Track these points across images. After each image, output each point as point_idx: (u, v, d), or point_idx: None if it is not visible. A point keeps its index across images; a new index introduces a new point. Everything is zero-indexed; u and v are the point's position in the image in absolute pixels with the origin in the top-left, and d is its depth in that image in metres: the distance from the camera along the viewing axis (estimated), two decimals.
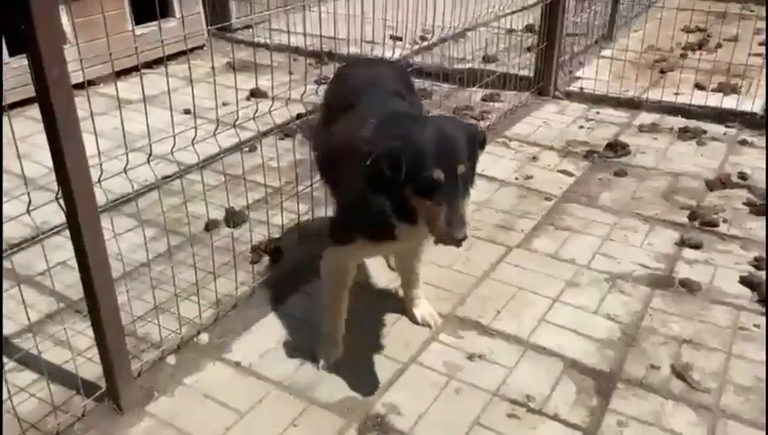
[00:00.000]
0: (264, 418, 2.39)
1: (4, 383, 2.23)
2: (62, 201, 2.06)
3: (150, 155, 2.38)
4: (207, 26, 6.19)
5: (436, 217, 1.95)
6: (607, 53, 5.94)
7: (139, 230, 2.79)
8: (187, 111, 4.36)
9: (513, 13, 6.19)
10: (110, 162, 2.23)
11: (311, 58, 5.90)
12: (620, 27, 6.64)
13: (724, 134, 4.74)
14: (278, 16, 4.98)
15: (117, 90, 2.44)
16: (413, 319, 2.87)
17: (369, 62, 3.67)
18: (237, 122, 2.70)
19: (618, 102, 5.27)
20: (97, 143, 2.16)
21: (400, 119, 2.24)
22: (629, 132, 4.80)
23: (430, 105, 4.99)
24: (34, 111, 2.08)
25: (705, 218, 3.59)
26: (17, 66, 4.68)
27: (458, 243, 1.94)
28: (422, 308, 2.87)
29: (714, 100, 5.03)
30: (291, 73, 3.89)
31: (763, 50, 5.95)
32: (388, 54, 4.86)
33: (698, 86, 5.28)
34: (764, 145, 4.52)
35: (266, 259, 3.27)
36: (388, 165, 2.00)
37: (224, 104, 4.08)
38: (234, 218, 3.51)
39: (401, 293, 2.93)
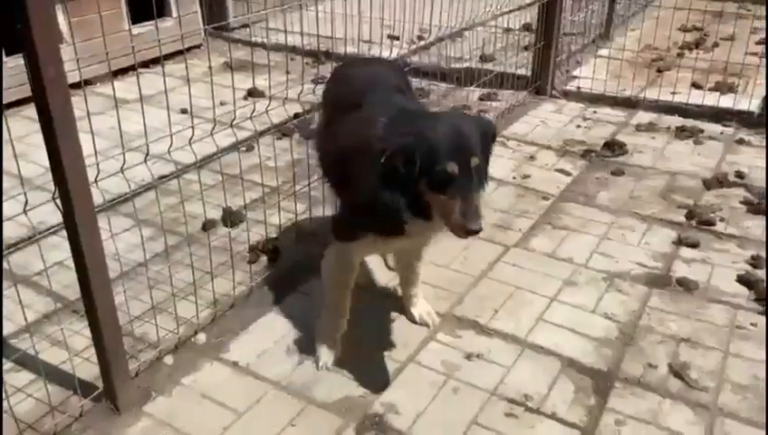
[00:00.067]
0: (262, 418, 2.39)
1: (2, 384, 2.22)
2: (58, 201, 2.05)
3: (147, 155, 2.38)
4: (204, 25, 6.18)
5: (451, 211, 1.98)
6: (604, 52, 5.95)
7: (136, 230, 2.78)
8: (183, 111, 4.36)
9: (510, 12, 6.19)
10: (107, 162, 2.23)
11: (308, 57, 5.90)
12: (617, 26, 6.65)
13: (721, 133, 4.75)
14: (275, 15, 4.98)
15: (114, 89, 2.43)
16: (411, 318, 2.87)
17: (367, 62, 3.66)
18: (234, 122, 2.70)
19: (615, 102, 5.28)
20: (94, 143, 2.16)
21: (411, 116, 2.25)
22: (627, 131, 4.81)
23: (428, 105, 4.99)
24: (31, 110, 2.07)
25: (702, 217, 3.59)
26: (14, 66, 4.67)
27: (474, 234, 1.98)
28: (420, 307, 2.87)
29: (711, 99, 5.04)
30: (288, 73, 3.89)
31: (759, 49, 5.97)
32: (385, 54, 4.85)
33: (695, 85, 5.29)
34: (761, 144, 4.53)
35: (264, 259, 3.26)
36: (402, 161, 2.02)
37: (221, 104, 4.06)
38: (231, 218, 3.51)
39: (399, 292, 2.93)
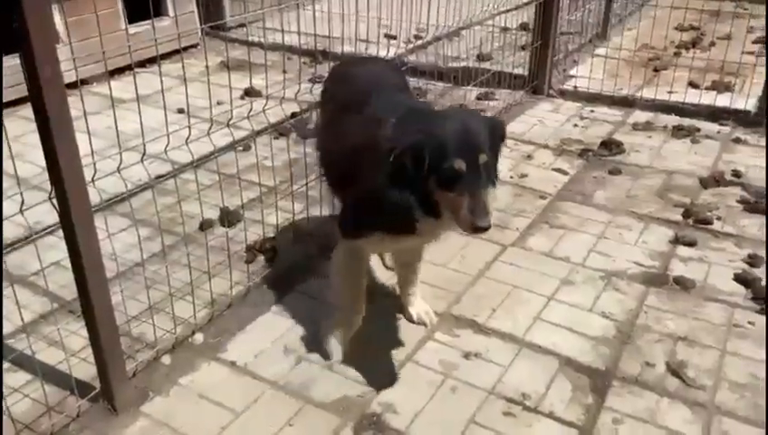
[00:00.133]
0: (260, 417, 2.38)
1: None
2: (55, 201, 2.05)
3: (144, 154, 2.37)
4: (201, 25, 6.16)
5: (460, 208, 1.99)
6: (601, 51, 5.95)
7: (133, 230, 2.78)
8: (180, 111, 4.35)
9: (507, 11, 6.19)
10: (104, 162, 2.22)
11: (305, 57, 5.90)
12: (614, 26, 6.66)
13: (718, 132, 4.75)
14: (272, 15, 4.96)
15: (110, 89, 2.42)
16: (409, 317, 2.87)
17: (364, 61, 3.66)
18: (231, 121, 2.70)
19: (612, 101, 5.28)
20: (90, 142, 2.15)
21: (420, 115, 2.26)
22: (624, 131, 4.81)
23: (432, 103, 4.99)
24: (27, 110, 2.07)
25: (699, 216, 3.60)
26: (10, 65, 4.65)
27: (482, 231, 2.00)
28: (418, 307, 2.87)
29: (707, 98, 5.05)
30: (285, 72, 3.88)
31: (756, 48, 5.98)
32: (382, 53, 4.84)
33: (692, 84, 5.30)
34: (758, 143, 4.53)
35: (261, 259, 3.26)
36: (411, 160, 2.03)
37: (218, 103, 4.07)
38: (228, 218, 3.50)
39: (397, 291, 2.93)
